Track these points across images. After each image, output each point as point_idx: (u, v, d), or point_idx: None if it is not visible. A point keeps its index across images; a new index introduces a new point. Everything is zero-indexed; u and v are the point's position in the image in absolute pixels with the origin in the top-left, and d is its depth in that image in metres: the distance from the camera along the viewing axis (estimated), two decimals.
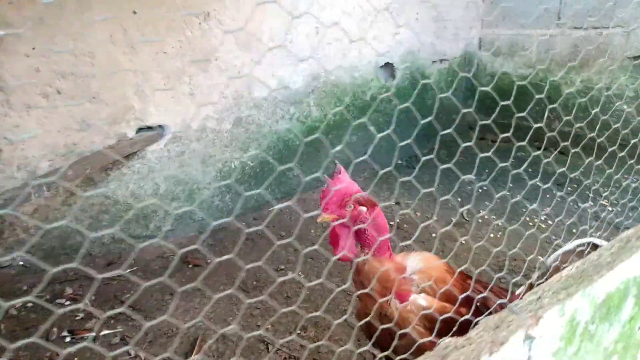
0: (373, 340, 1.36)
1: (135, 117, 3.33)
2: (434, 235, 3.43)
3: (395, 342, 1.29)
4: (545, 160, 1.46)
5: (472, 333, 0.87)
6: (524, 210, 3.71)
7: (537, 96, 3.76)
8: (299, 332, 2.56)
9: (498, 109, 1.47)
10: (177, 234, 3.65)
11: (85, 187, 3.25)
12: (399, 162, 4.75)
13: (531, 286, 1.77)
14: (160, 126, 3.46)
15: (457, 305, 1.40)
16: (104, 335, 2.63)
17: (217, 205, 3.84)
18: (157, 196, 3.54)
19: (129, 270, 3.22)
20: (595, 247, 1.76)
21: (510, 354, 0.79)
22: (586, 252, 1.72)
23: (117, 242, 3.43)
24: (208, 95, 3.63)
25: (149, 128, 3.42)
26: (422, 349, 1.41)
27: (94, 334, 2.65)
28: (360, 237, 1.53)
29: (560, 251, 1.82)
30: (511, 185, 4.12)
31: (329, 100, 4.25)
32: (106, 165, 3.23)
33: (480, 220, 3.62)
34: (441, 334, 1.45)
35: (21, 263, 3.17)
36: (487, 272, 2.85)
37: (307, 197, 4.28)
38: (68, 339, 2.62)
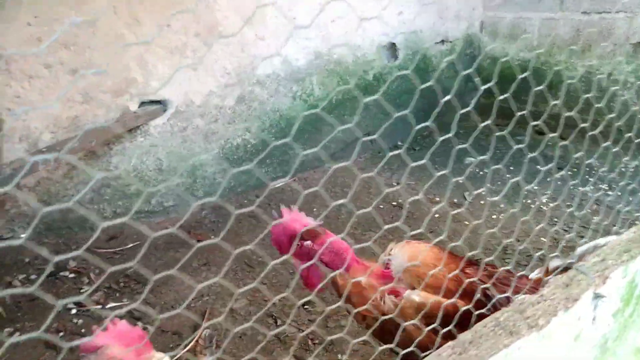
0: (371, 331, 1.39)
1: (138, 91, 3.28)
2: (437, 215, 3.45)
3: (397, 338, 1.31)
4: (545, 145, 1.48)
5: (544, 290, 0.88)
6: (526, 192, 3.74)
7: (537, 87, 3.77)
8: (306, 307, 2.57)
9: (481, 90, 1.46)
10: (179, 209, 3.63)
11: (88, 160, 3.21)
12: (399, 143, 4.76)
13: (547, 271, 1.77)
14: (163, 101, 3.41)
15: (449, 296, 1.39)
16: (111, 307, 2.62)
17: (219, 182, 3.82)
18: (159, 171, 3.51)
19: (131, 245, 3.20)
20: None
21: (581, 311, 0.81)
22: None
23: (119, 216, 3.39)
24: (211, 70, 3.58)
25: (152, 102, 3.38)
26: (422, 344, 1.41)
27: (100, 306, 2.64)
28: (326, 264, 1.59)
29: (592, 243, 1.79)
30: (512, 168, 4.14)
31: (331, 78, 4.22)
32: (109, 139, 3.19)
33: (482, 202, 3.65)
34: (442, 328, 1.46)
35: (23, 236, 3.14)
36: (482, 254, 2.88)
37: (308, 175, 4.27)
38: (74, 311, 2.61)
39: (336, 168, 4.35)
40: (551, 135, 1.41)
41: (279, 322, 2.50)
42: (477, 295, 1.42)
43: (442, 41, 5.01)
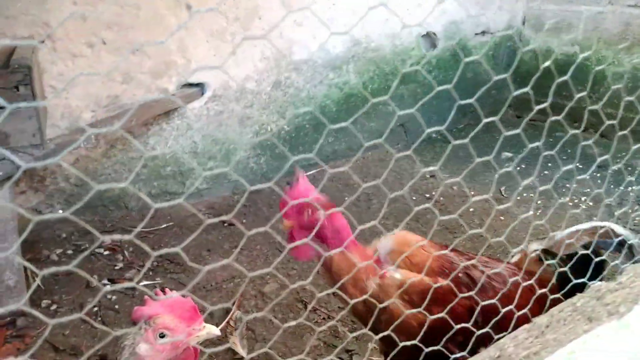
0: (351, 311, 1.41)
1: (178, 73, 3.30)
2: (471, 210, 3.39)
3: (374, 319, 1.35)
4: (584, 143, 1.42)
5: (622, 278, 0.86)
6: (563, 190, 3.64)
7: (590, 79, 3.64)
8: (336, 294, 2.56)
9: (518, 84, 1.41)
10: (212, 193, 3.66)
11: (125, 140, 3.26)
12: (434, 135, 4.68)
13: (525, 254, 1.80)
14: (201, 84, 3.43)
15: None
16: (144, 285, 2.66)
17: (252, 167, 3.84)
18: (195, 154, 3.54)
19: (165, 225, 3.24)
20: (614, 232, 1.75)
21: None
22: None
23: (154, 197, 3.45)
24: (249, 55, 3.58)
25: (190, 85, 3.40)
26: (404, 324, 1.45)
27: (133, 283, 2.69)
28: (322, 239, 1.61)
29: (574, 228, 1.80)
30: (550, 164, 4.03)
31: (368, 67, 4.17)
32: (148, 119, 3.22)
33: (518, 198, 3.56)
34: (424, 307, 1.48)
35: (60, 212, 3.21)
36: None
37: (340, 164, 4.24)
38: (108, 287, 2.66)
39: (368, 158, 4.32)
40: (589, 138, 1.35)
41: (308, 307, 2.50)
42: (458, 274, 1.49)
43: (483, 32, 4.89)
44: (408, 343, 1.23)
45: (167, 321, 1.14)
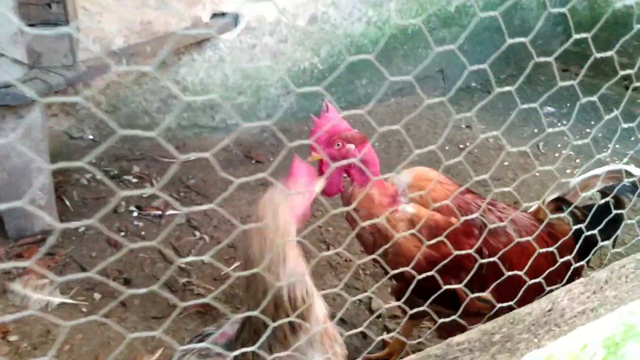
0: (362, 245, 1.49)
1: (212, 1, 3.19)
2: (505, 163, 3.28)
3: (381, 251, 1.33)
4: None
5: None
6: (605, 150, 3.47)
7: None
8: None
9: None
10: (242, 129, 3.62)
11: (156, 68, 3.20)
12: (473, 84, 4.49)
13: (543, 203, 1.75)
14: (235, 14, 3.31)
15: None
16: (170, 215, 2.69)
17: (282, 106, 3.76)
18: (225, 88, 3.47)
19: (194, 157, 3.23)
20: (629, 174, 1.69)
21: None
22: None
23: (183, 128, 3.43)
24: None
25: (224, 15, 3.28)
26: (410, 257, 1.43)
27: (159, 212, 2.72)
28: (349, 173, 1.59)
29: (587, 174, 1.76)
30: (593, 122, 3.84)
31: (410, 6, 3.96)
32: (179, 48, 3.15)
33: (557, 154, 3.42)
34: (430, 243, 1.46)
35: (91, 137, 3.24)
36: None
37: (372, 109, 4.13)
38: (135, 214, 2.70)
39: (402, 104, 4.18)
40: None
41: (331, 248, 2.49)
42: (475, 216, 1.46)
43: None
44: (407, 269, 1.20)
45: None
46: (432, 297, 1.23)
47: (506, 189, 1.24)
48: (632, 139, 3.63)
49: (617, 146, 3.50)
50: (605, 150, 3.48)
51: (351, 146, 1.55)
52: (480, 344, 0.90)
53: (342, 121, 1.61)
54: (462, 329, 1.15)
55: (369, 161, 1.57)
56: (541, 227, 1.39)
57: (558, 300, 0.98)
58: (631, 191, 1.70)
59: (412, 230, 1.44)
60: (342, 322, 2.09)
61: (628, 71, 1.21)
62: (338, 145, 1.55)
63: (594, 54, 1.28)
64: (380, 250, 1.35)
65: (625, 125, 1.21)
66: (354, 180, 1.60)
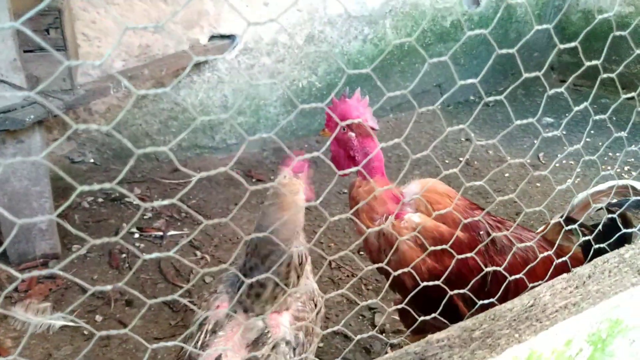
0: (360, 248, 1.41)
1: (209, 24, 3.24)
2: (506, 175, 3.27)
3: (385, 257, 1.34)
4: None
5: None
6: (605, 159, 3.47)
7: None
8: (361, 253, 2.53)
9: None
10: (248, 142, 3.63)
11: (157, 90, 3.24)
12: (472, 98, 4.51)
13: (549, 223, 1.73)
14: (232, 36, 3.36)
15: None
16: (171, 235, 2.69)
17: (281, 124, 3.78)
18: (225, 108, 3.50)
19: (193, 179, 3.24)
20: (634, 189, 1.67)
21: None
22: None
23: (184, 149, 3.45)
24: (283, 6, 3.47)
25: (222, 37, 3.33)
26: (412, 267, 1.41)
27: (160, 233, 2.72)
28: (354, 162, 1.60)
29: (590, 191, 1.74)
30: (592, 132, 3.84)
31: (406, 23, 4.00)
32: (178, 70, 3.19)
33: (557, 165, 3.42)
34: (435, 254, 1.48)
35: (92, 160, 3.26)
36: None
37: None
38: (136, 235, 2.70)
39: (401, 119, 4.20)
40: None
41: (333, 265, 2.48)
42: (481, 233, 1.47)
43: None
44: (409, 269, 1.19)
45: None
46: (436, 311, 1.22)
47: (506, 197, 1.24)
48: (633, 147, 3.63)
49: (617, 154, 3.49)
50: (605, 158, 3.47)
51: (352, 134, 1.58)
52: (460, 341, 0.88)
53: (358, 110, 1.61)
54: None
55: (370, 153, 1.58)
56: (551, 251, 1.38)
57: (540, 296, 0.97)
58: (638, 207, 1.68)
59: (414, 233, 1.44)
60: (345, 338, 2.07)
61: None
62: (343, 130, 1.59)
63: (585, 63, 1.29)
64: (386, 260, 1.35)
65: (621, 134, 1.21)
66: (358, 174, 1.62)
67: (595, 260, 1.04)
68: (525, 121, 1.23)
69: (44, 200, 2.39)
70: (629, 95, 1.16)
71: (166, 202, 0.76)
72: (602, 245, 1.33)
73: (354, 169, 1.38)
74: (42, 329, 2.04)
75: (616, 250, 1.03)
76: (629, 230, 1.61)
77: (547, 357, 0.88)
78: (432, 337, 0.90)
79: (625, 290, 0.91)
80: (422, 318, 1.18)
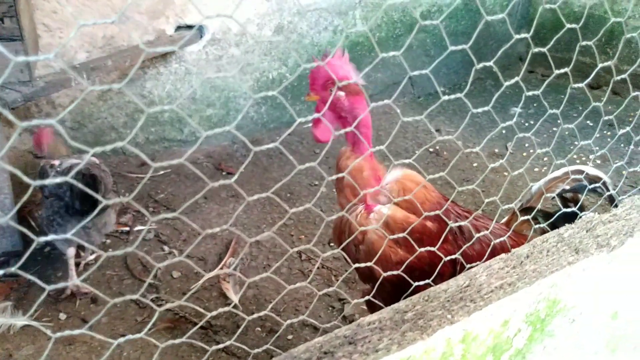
0: (342, 247, 1.42)
1: (175, 14, 3.17)
2: (475, 165, 3.31)
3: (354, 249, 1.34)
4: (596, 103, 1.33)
5: (617, 210, 0.79)
6: (571, 148, 3.53)
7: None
8: (332, 244, 2.53)
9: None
10: (211, 141, 3.58)
11: (121, 82, 3.16)
12: (441, 89, 4.54)
13: (514, 213, 1.78)
14: (199, 26, 3.30)
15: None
16: (138, 230, 2.64)
17: (252, 117, 3.74)
18: (193, 100, 3.45)
19: (162, 172, 3.19)
20: (587, 174, 1.72)
21: None
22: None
23: (152, 143, 3.39)
24: None
25: (189, 27, 3.27)
26: (383, 258, 1.44)
27: (127, 228, 2.67)
28: (343, 124, 1.54)
29: (546, 178, 1.78)
30: (558, 121, 3.90)
31: (375, 13, 3.99)
32: (145, 62, 3.12)
33: (524, 154, 3.47)
34: (407, 245, 1.47)
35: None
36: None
37: None
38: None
39: (373, 111, 4.20)
40: (602, 96, 1.25)
41: (303, 257, 2.47)
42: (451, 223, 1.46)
43: None
44: (384, 273, 1.19)
45: None
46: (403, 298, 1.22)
47: (471, 187, 1.24)
48: (597, 135, 3.71)
49: (583, 143, 3.56)
50: (571, 147, 3.54)
51: (341, 93, 1.52)
52: (392, 323, 0.88)
53: (341, 68, 1.53)
54: None
55: (358, 115, 1.51)
56: (508, 233, 1.39)
57: (476, 277, 0.97)
58: (591, 191, 1.71)
59: (376, 226, 1.44)
60: (315, 329, 2.07)
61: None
62: (331, 90, 1.52)
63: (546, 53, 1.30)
64: (345, 243, 1.36)
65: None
66: (347, 138, 1.57)
67: (534, 240, 1.05)
68: (486, 108, 1.24)
69: (3, 197, 2.31)
70: (562, 70, 1.16)
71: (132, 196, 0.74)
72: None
73: (342, 130, 1.29)
74: (2, 329, 1.99)
75: (556, 230, 1.05)
76: (583, 213, 1.64)
77: (483, 338, 0.88)
78: (364, 319, 0.90)
79: (561, 268, 0.92)
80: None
